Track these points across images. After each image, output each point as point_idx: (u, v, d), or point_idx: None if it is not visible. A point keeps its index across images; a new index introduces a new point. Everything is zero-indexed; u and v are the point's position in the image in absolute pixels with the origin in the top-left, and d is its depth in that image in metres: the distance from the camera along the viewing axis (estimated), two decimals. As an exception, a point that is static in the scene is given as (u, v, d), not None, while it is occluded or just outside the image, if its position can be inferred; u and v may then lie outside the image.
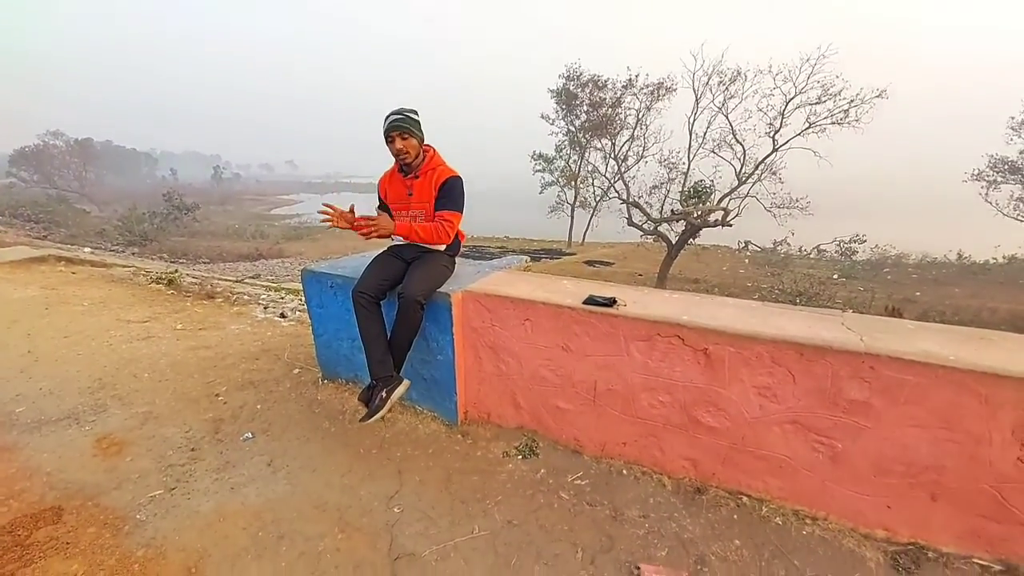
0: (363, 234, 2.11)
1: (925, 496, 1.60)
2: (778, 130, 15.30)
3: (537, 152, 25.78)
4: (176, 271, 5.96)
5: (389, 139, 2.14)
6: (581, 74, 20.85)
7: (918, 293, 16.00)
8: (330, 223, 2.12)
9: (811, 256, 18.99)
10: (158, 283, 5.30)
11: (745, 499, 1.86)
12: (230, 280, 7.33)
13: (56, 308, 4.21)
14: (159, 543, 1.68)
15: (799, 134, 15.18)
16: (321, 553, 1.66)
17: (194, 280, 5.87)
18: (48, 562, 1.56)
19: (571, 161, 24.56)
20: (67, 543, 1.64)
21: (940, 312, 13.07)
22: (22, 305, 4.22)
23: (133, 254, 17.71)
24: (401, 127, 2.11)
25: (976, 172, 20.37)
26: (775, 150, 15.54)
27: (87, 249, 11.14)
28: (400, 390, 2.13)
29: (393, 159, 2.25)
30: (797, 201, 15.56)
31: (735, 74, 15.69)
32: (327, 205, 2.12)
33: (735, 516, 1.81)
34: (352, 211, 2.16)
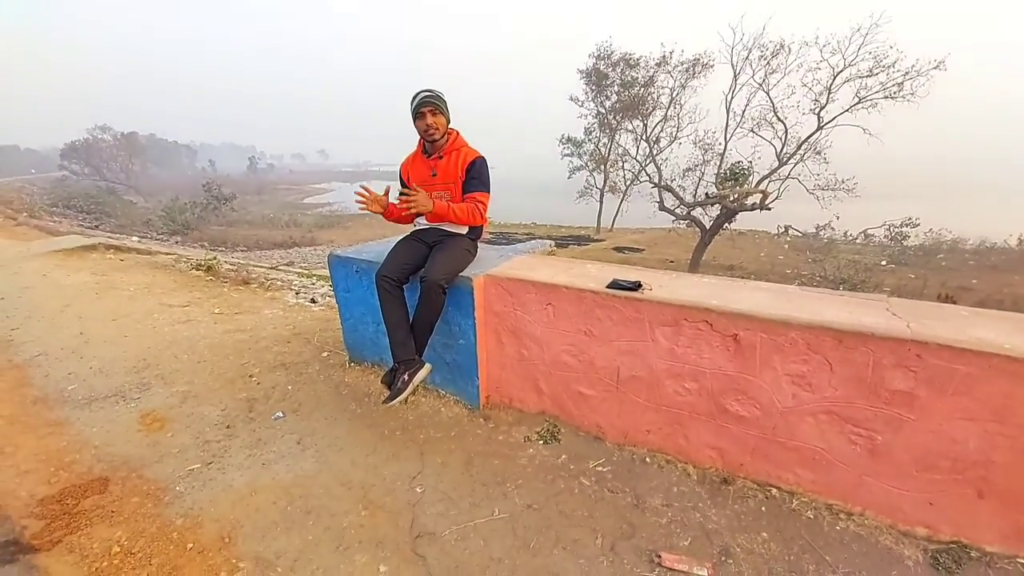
0: (401, 208, 2.16)
1: (971, 493, 1.50)
2: (824, 106, 14.36)
3: (565, 135, 25.29)
4: (215, 258, 6.22)
5: (419, 115, 2.14)
6: (612, 53, 20.19)
7: (975, 281, 14.92)
8: (364, 207, 2.19)
9: (857, 241, 17.93)
10: (198, 270, 5.54)
11: (774, 491, 1.79)
12: (265, 267, 7.60)
13: (105, 293, 4.47)
14: (196, 513, 1.77)
15: (847, 110, 14.19)
16: (345, 528, 1.70)
17: (231, 267, 6.11)
18: (94, 529, 1.67)
19: (601, 144, 23.98)
20: (112, 512, 1.75)
21: (998, 301, 12.17)
22: (74, 290, 4.50)
23: (176, 242, 18.64)
24: (432, 103, 2.13)
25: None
26: (820, 128, 14.63)
27: (135, 238, 11.78)
28: (422, 374, 2.14)
29: (418, 140, 2.26)
30: (843, 182, 14.64)
31: (778, 47, 14.78)
32: (363, 187, 2.20)
33: (763, 508, 1.74)
34: (387, 195, 2.24)
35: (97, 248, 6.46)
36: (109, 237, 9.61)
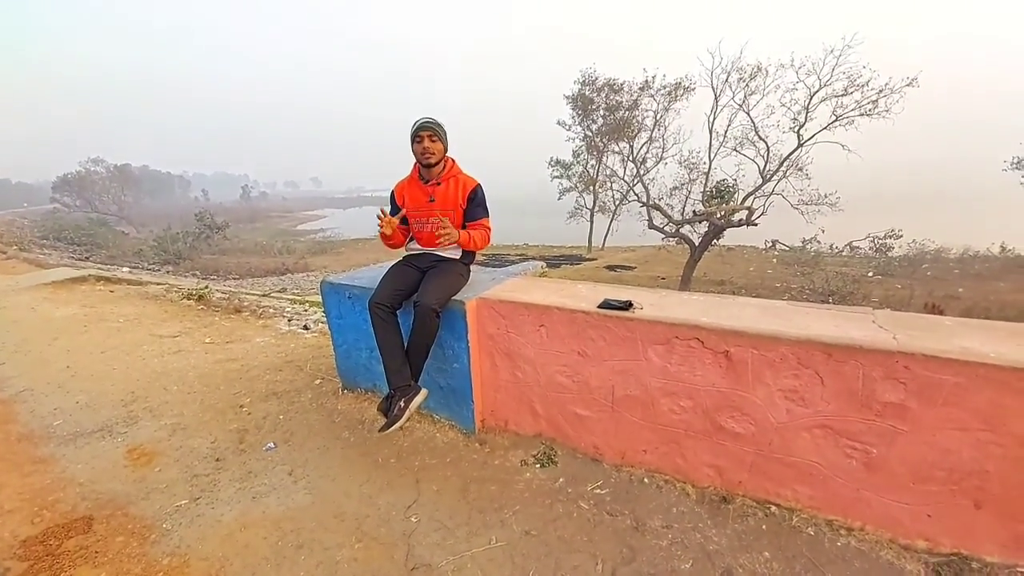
0: (436, 238, 2.21)
1: (968, 503, 1.49)
2: (803, 125, 14.82)
3: (554, 158, 25.76)
4: (206, 287, 6.18)
5: (418, 139, 2.20)
6: (596, 78, 20.81)
7: (961, 289, 15.14)
8: (381, 227, 2.28)
9: (843, 253, 18.24)
10: (189, 299, 5.50)
11: (774, 508, 1.77)
12: (257, 294, 7.55)
13: (94, 325, 4.41)
14: (183, 552, 1.72)
15: (825, 128, 14.66)
16: (339, 563, 1.66)
17: (223, 295, 6.06)
18: (77, 571, 1.61)
19: (589, 166, 24.43)
20: (96, 552, 1.69)
21: (985, 308, 12.34)
22: (63, 323, 4.44)
23: (168, 272, 18.50)
24: (432, 128, 2.20)
25: (1016, 160, 19.28)
26: (800, 145, 15.06)
27: (125, 268, 11.69)
28: (418, 399, 2.13)
29: (412, 165, 2.32)
30: (826, 197, 15.01)
31: (755, 70, 15.33)
32: (382, 210, 2.29)
33: (764, 526, 1.72)
34: (399, 219, 2.34)
35: (87, 280, 6.40)
36: (99, 268, 9.53)
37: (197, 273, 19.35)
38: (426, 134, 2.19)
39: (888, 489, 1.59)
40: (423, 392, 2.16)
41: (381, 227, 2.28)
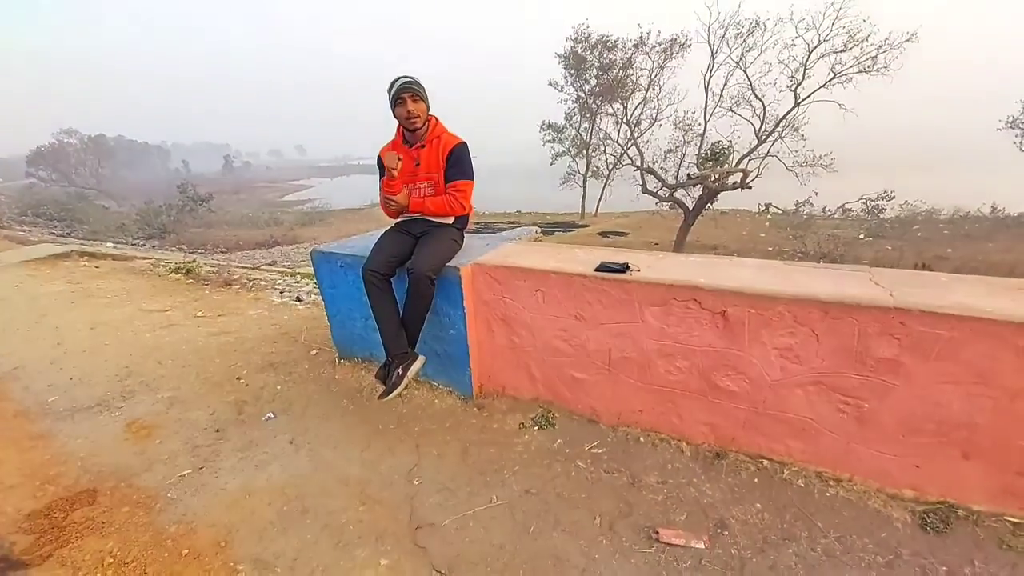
0: (382, 199, 2.16)
1: (957, 454, 1.54)
2: (800, 83, 14.54)
3: (546, 122, 25.13)
4: (194, 261, 6.07)
5: (399, 101, 2.06)
6: (589, 35, 20.04)
7: (949, 250, 15.32)
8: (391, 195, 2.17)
9: (836, 216, 18.25)
10: (177, 273, 5.41)
11: (766, 463, 1.82)
12: (247, 267, 7.45)
13: (82, 301, 4.33)
14: (190, 519, 1.74)
15: (823, 86, 14.41)
16: (344, 525, 1.69)
17: (212, 269, 5.96)
18: (85, 541, 1.63)
19: (582, 129, 23.89)
20: (102, 523, 1.71)
21: (973, 268, 12.53)
22: (49, 300, 4.36)
23: (153, 247, 18.16)
24: (412, 89, 2.06)
25: (1011, 120, 19.12)
26: (797, 104, 14.81)
27: (109, 244, 11.44)
28: (416, 366, 2.13)
29: (397, 127, 2.19)
30: (821, 158, 14.90)
31: (753, 24, 14.85)
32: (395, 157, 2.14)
33: (756, 480, 1.78)
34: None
35: (71, 256, 6.25)
36: (82, 244, 9.30)
37: (183, 247, 19.02)
38: (407, 95, 2.05)
39: (878, 442, 1.63)
40: (420, 359, 2.16)
41: (391, 193, 2.15)
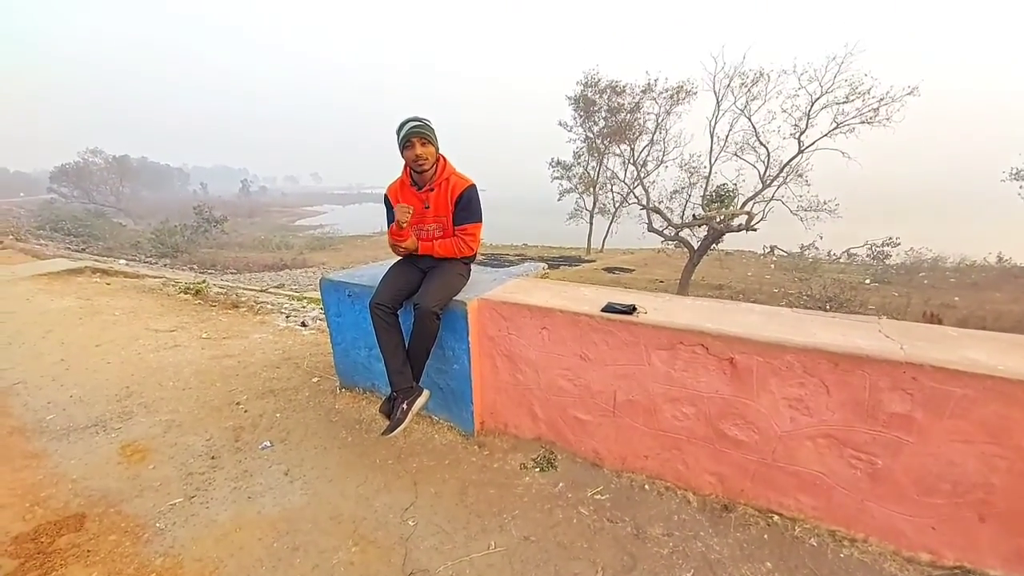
0: (391, 244, 2.22)
1: (972, 516, 1.48)
2: (804, 131, 14.87)
3: (555, 159, 25.75)
4: (203, 282, 6.14)
5: (408, 144, 2.08)
6: (599, 80, 20.80)
7: (956, 298, 15.22)
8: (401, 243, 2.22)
9: (841, 260, 18.30)
10: (186, 293, 5.46)
11: (776, 518, 1.76)
12: (255, 290, 7.51)
13: (89, 318, 4.36)
14: (177, 552, 1.69)
15: (826, 135, 14.72)
16: (335, 567, 1.63)
17: (220, 290, 6.02)
18: (69, 569, 1.57)
19: (589, 167, 24.43)
20: (88, 551, 1.66)
21: (980, 318, 12.41)
22: (58, 315, 4.39)
23: (165, 265, 18.40)
24: (421, 133, 2.07)
25: (1015, 171, 19.35)
26: (801, 152, 15.11)
27: (122, 261, 11.61)
28: (420, 401, 2.11)
29: (404, 166, 2.22)
30: (825, 204, 15.06)
31: (757, 75, 15.36)
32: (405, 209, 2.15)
33: (766, 536, 1.71)
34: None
35: (83, 272, 6.34)
36: (96, 260, 9.45)
37: (195, 267, 19.26)
38: (416, 139, 2.06)
39: (892, 500, 1.57)
40: (425, 393, 2.14)
41: (400, 241, 2.19)
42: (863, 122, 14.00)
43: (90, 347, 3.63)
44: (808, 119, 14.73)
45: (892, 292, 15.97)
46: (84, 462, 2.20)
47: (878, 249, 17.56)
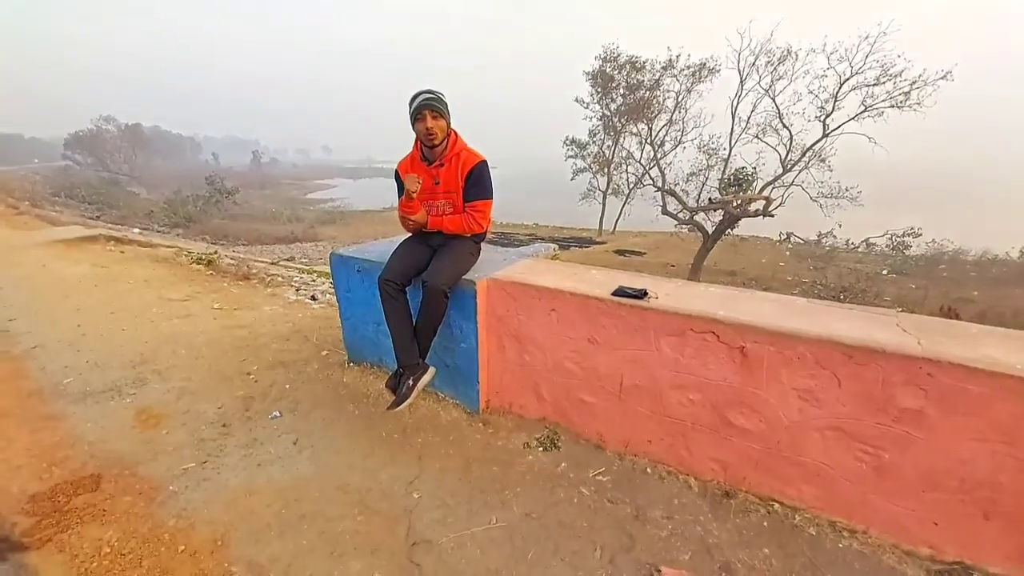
0: (401, 218, 2.20)
1: (977, 514, 1.47)
2: (830, 114, 14.35)
3: (570, 137, 25.26)
4: (215, 252, 6.20)
5: (419, 117, 2.04)
6: (618, 55, 20.16)
7: (976, 293, 14.88)
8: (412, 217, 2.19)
9: (859, 249, 17.91)
10: (198, 263, 5.52)
11: (777, 506, 1.76)
12: (265, 262, 7.57)
13: (104, 285, 4.44)
14: (189, 514, 1.75)
15: (853, 118, 14.18)
16: (340, 534, 1.68)
17: (232, 261, 6.08)
18: (85, 528, 1.64)
19: (605, 147, 23.95)
20: (104, 510, 1.73)
21: (999, 314, 12.14)
22: (74, 281, 4.48)
23: (178, 235, 18.61)
24: (432, 105, 2.03)
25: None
26: (825, 135, 14.62)
27: (136, 229, 11.76)
28: (426, 378, 2.13)
29: (415, 140, 2.18)
30: (847, 191, 14.65)
31: (785, 53, 14.77)
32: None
33: (765, 523, 1.71)
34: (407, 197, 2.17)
35: (98, 239, 6.44)
36: (110, 228, 9.59)
37: (207, 237, 19.46)
38: (428, 112, 2.01)
39: (896, 495, 1.56)
40: (431, 370, 2.16)
41: (409, 214, 2.17)
42: (893, 106, 13.46)
43: (105, 314, 3.71)
44: (835, 101, 14.20)
45: (910, 284, 15.66)
46: (100, 425, 2.27)
47: (898, 239, 17.11)
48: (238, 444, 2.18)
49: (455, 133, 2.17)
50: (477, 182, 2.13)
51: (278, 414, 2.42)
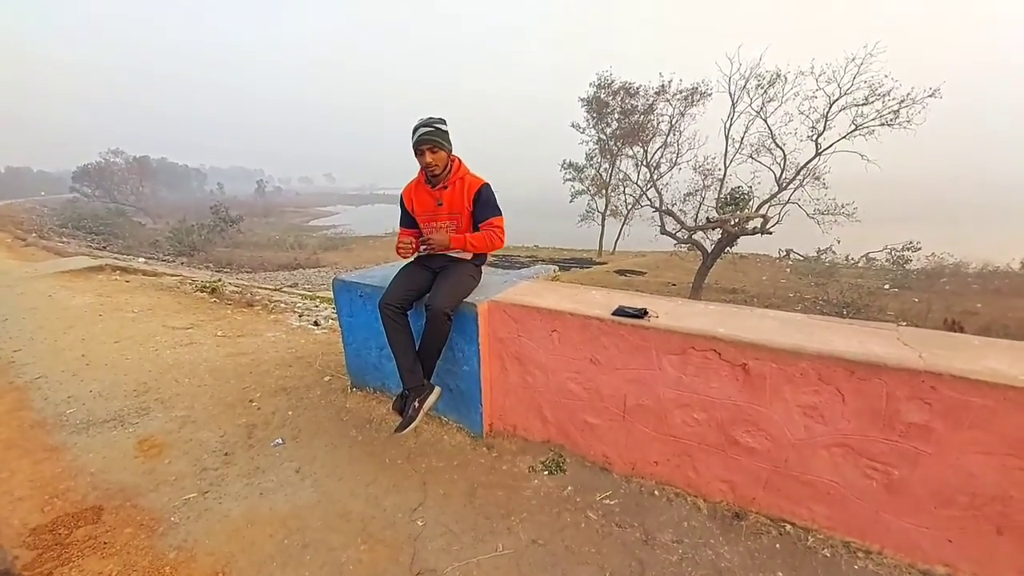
0: (423, 250, 2.23)
1: (990, 529, 1.44)
2: (821, 133, 14.60)
3: (567, 161, 25.71)
4: (219, 280, 6.25)
5: (419, 152, 2.15)
6: (612, 82, 20.72)
7: (979, 305, 14.82)
8: (405, 251, 2.26)
9: (859, 265, 17.93)
10: (202, 291, 5.56)
11: (789, 527, 1.73)
12: (268, 289, 7.61)
13: (109, 315, 4.47)
14: (190, 546, 1.72)
15: (844, 137, 14.43)
16: (343, 564, 1.64)
17: (235, 289, 6.12)
18: (85, 561, 1.61)
19: (602, 169, 24.33)
20: (104, 543, 1.70)
21: (1003, 326, 12.07)
22: (78, 312, 4.51)
23: (182, 263, 18.77)
24: (431, 140, 2.12)
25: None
26: (818, 154, 14.84)
27: (141, 259, 11.87)
28: (432, 399, 2.13)
29: (420, 169, 2.27)
30: (843, 207, 14.78)
31: (774, 76, 15.14)
32: (407, 237, 2.27)
33: (777, 545, 1.68)
34: (418, 239, 2.26)
35: (103, 269, 6.50)
36: (116, 258, 9.68)
37: (211, 265, 19.62)
38: (426, 148, 2.12)
39: (909, 512, 1.54)
40: (436, 390, 2.17)
41: (406, 250, 2.24)
42: (883, 124, 13.71)
43: (109, 343, 3.72)
44: (826, 121, 14.47)
45: (912, 298, 15.62)
46: (102, 456, 2.25)
47: (898, 253, 17.17)
48: (240, 473, 2.16)
49: (457, 159, 2.26)
50: (486, 203, 2.21)
51: (281, 441, 2.40)
